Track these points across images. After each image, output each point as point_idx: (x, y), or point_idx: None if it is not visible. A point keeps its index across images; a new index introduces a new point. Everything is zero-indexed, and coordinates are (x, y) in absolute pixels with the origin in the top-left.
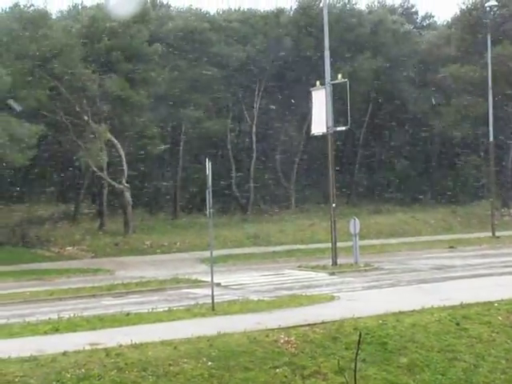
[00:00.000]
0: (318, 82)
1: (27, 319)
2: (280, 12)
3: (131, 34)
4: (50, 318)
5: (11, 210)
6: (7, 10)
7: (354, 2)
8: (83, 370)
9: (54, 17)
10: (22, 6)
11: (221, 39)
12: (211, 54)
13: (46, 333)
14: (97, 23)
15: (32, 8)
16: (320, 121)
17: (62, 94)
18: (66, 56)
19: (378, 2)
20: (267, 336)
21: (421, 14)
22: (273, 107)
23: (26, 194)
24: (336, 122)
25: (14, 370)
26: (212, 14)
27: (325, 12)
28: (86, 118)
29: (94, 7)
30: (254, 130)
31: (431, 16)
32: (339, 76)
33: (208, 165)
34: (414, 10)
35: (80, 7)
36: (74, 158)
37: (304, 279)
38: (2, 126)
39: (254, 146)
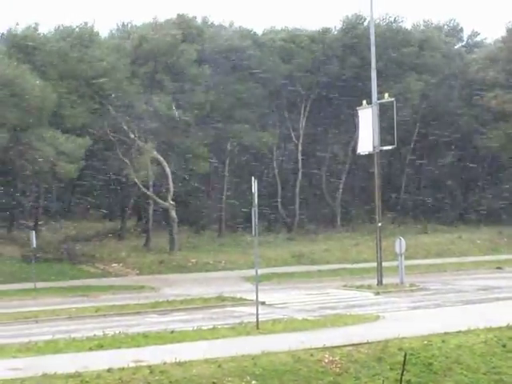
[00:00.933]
0: (364, 101)
1: (73, 335)
2: (325, 31)
3: (178, 54)
4: (95, 335)
5: (58, 226)
6: (55, 29)
7: (399, 21)
8: None
9: (102, 35)
10: (70, 25)
11: (266, 58)
12: (257, 73)
13: (90, 349)
14: (145, 42)
15: (80, 27)
16: (366, 140)
17: (109, 112)
18: (114, 75)
19: (424, 21)
20: (311, 355)
21: (467, 32)
22: (319, 126)
23: (73, 211)
24: (382, 141)
25: None
26: (257, 32)
27: (371, 32)
28: (132, 135)
29: (143, 26)
30: (299, 148)
31: (477, 34)
32: (386, 95)
33: (254, 183)
34: (460, 27)
35: (129, 26)
36: (121, 175)
37: (349, 298)
38: (50, 141)
39: (300, 165)
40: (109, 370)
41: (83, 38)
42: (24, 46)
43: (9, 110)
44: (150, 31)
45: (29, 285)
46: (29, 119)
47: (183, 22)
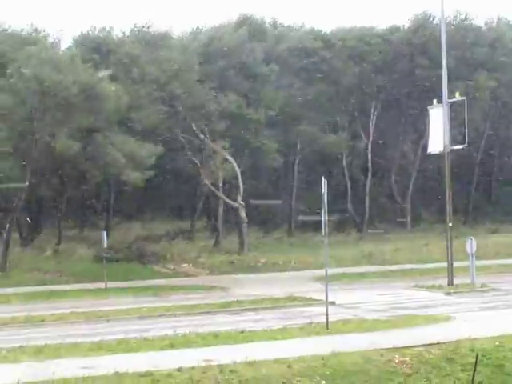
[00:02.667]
0: (435, 100)
1: (144, 335)
2: (394, 30)
3: (247, 53)
4: (166, 334)
5: (128, 227)
6: (129, 32)
7: (470, 18)
8: None
9: (174, 37)
10: (142, 28)
11: (335, 57)
12: (326, 72)
13: (161, 348)
14: (214, 43)
15: (152, 29)
16: (437, 139)
17: (179, 113)
18: (184, 76)
19: (498, 19)
20: (382, 356)
21: None
22: (388, 125)
23: (143, 212)
24: (453, 141)
25: None
26: (326, 32)
27: (442, 30)
28: (202, 136)
29: (212, 27)
30: (369, 148)
31: None
32: (457, 94)
33: (324, 183)
34: None
35: (198, 27)
36: (191, 176)
37: (419, 299)
38: (121, 145)
39: (370, 165)
40: (179, 370)
41: (155, 41)
42: (98, 49)
43: (82, 115)
44: (218, 32)
45: (100, 284)
46: (101, 123)
47: (251, 23)
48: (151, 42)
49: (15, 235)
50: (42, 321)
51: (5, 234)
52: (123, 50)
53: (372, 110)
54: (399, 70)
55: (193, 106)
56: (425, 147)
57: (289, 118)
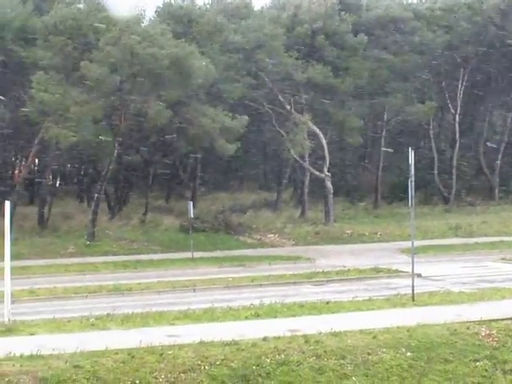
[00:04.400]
0: None
1: (229, 304)
2: None
3: (335, 23)
4: (251, 304)
5: (215, 197)
6: (211, 2)
7: None
8: (283, 356)
9: (256, 8)
10: None
11: (423, 27)
12: (414, 43)
13: (246, 318)
14: (301, 12)
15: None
16: None
17: (265, 84)
18: (270, 46)
19: None
20: (468, 328)
21: None
22: (476, 96)
23: (229, 183)
24: None
25: (216, 353)
26: (414, 2)
27: None
28: (288, 107)
29: None
30: (457, 119)
31: None
32: None
33: (411, 154)
34: None
35: None
36: (277, 147)
37: (507, 272)
38: (212, 117)
39: (458, 136)
40: (264, 339)
41: (239, 10)
42: (181, 19)
43: (172, 87)
44: (305, 1)
45: (186, 254)
46: (190, 94)
47: None
48: (234, 12)
49: (103, 205)
50: (130, 289)
51: (93, 204)
52: (206, 20)
53: (460, 81)
54: (488, 39)
55: (279, 77)
56: None
57: (375, 89)
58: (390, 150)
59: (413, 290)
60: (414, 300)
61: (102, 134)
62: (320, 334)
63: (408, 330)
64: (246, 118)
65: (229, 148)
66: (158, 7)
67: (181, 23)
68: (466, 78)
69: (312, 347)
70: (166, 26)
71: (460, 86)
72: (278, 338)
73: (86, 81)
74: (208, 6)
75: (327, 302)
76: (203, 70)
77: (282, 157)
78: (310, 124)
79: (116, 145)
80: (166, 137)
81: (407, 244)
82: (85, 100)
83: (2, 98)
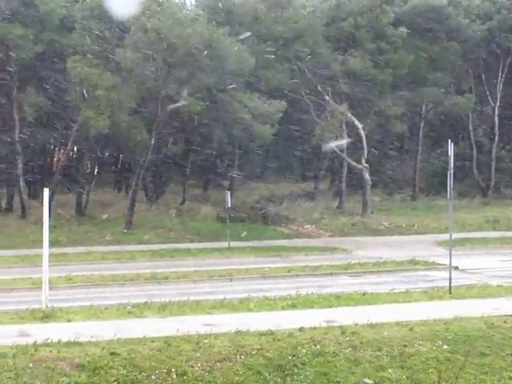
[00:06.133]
0: None
1: (266, 294)
2: None
3: (376, 14)
4: (287, 294)
5: (252, 187)
6: None
7: None
8: (319, 347)
9: None
10: None
11: (462, 16)
12: (452, 33)
13: (283, 308)
14: (343, 4)
15: None
16: None
17: (304, 74)
18: (310, 36)
19: None
20: (505, 322)
21: None
22: None
23: (267, 173)
24: None
25: (252, 342)
26: None
27: None
28: (327, 97)
29: None
30: (496, 111)
31: None
32: None
33: (450, 146)
34: None
35: None
36: (315, 137)
37: None
38: (247, 103)
39: (497, 128)
40: (300, 329)
41: (280, 0)
42: (220, 8)
43: (207, 74)
44: None
45: (223, 244)
46: (226, 81)
47: None
48: (277, 2)
49: (141, 194)
50: (166, 278)
51: (131, 192)
52: (246, 10)
53: (499, 73)
54: None
55: (318, 67)
56: None
57: (414, 80)
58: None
59: (450, 283)
60: (451, 293)
61: (139, 123)
62: (356, 325)
63: (445, 323)
64: (284, 103)
65: (265, 132)
66: None
67: (220, 12)
68: (505, 69)
69: (348, 338)
70: (201, 12)
71: (500, 77)
72: (314, 328)
73: (121, 67)
74: None
75: (364, 294)
76: (238, 55)
77: (320, 147)
78: (349, 114)
79: (153, 134)
80: (202, 125)
81: (444, 236)
82: (119, 86)
83: (43, 85)
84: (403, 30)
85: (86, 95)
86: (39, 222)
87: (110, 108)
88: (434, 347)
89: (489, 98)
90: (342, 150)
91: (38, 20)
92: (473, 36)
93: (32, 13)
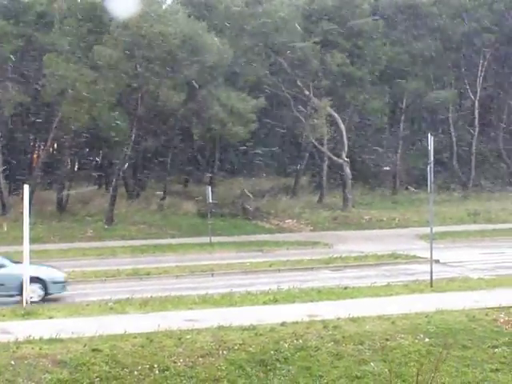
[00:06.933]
0: None
1: (247, 289)
2: None
3: (353, 8)
4: (269, 289)
5: (233, 182)
6: None
7: None
8: (301, 341)
9: None
10: None
11: (443, 12)
12: (433, 28)
13: (265, 303)
14: None
15: None
16: None
17: (283, 69)
18: (288, 31)
19: None
20: (486, 315)
21: None
22: (496, 83)
23: (247, 168)
24: None
25: (234, 337)
26: None
27: None
28: (307, 92)
29: None
30: (476, 105)
31: None
32: None
33: (430, 140)
34: None
35: None
36: (295, 132)
37: None
38: (224, 101)
39: (477, 122)
40: (283, 324)
41: None
42: (200, 4)
43: (186, 68)
44: None
45: (204, 239)
46: (205, 77)
47: None
48: None
49: (121, 189)
50: (148, 274)
51: (111, 188)
52: (226, 4)
53: (480, 68)
54: (508, 26)
55: (297, 62)
56: None
57: (394, 75)
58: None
59: (431, 276)
60: (432, 286)
61: (119, 119)
62: (338, 319)
63: (426, 316)
64: (263, 100)
65: (239, 132)
66: None
67: (200, 7)
68: (485, 64)
69: (330, 332)
70: (180, 7)
71: (479, 72)
72: (296, 323)
73: (100, 64)
74: None
75: (345, 288)
76: (216, 48)
77: (300, 142)
78: (329, 109)
79: (133, 129)
80: (182, 121)
81: (425, 230)
82: (98, 82)
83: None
84: (379, 23)
85: (65, 92)
86: (19, 218)
87: (90, 104)
88: (416, 340)
89: (469, 92)
90: (322, 144)
91: (18, 13)
92: (454, 32)
93: (14, 5)
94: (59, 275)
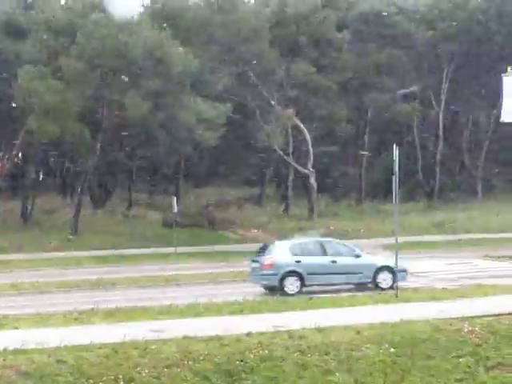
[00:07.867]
0: (509, 68)
1: (213, 299)
2: None
3: (319, 19)
4: (235, 300)
5: (199, 193)
6: None
7: None
8: (266, 351)
9: (244, 1)
10: None
11: (409, 24)
12: (398, 39)
13: (230, 313)
14: (286, 8)
15: None
16: (510, 108)
17: (250, 78)
18: (254, 41)
19: None
20: (450, 325)
21: None
22: (461, 93)
23: (213, 178)
24: None
25: (200, 348)
26: None
27: None
28: (272, 102)
29: None
30: (441, 115)
31: None
32: None
33: (395, 151)
34: None
35: None
36: (261, 142)
37: (490, 269)
38: (191, 107)
39: (441, 132)
40: (248, 334)
41: (225, 4)
42: (166, 14)
43: (151, 78)
44: None
45: (170, 249)
46: (170, 86)
47: None
48: (221, 7)
49: (86, 199)
50: (113, 284)
51: (76, 198)
52: (193, 14)
53: (444, 78)
54: (473, 37)
55: (263, 72)
56: (498, 116)
57: (360, 85)
58: (367, 153)
59: (396, 287)
60: (397, 296)
61: (85, 129)
62: (304, 329)
63: (392, 326)
64: (229, 105)
65: (209, 136)
66: (144, 3)
67: (165, 17)
68: (449, 74)
69: (296, 343)
70: (146, 18)
71: (444, 82)
72: (262, 333)
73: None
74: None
75: (310, 298)
76: (181, 58)
77: (266, 152)
78: (295, 120)
79: (99, 139)
80: (148, 130)
81: (390, 240)
82: (65, 94)
83: None
84: (345, 34)
85: (32, 102)
86: None
87: (56, 115)
88: (381, 350)
89: (433, 102)
90: (287, 154)
91: None
92: (418, 42)
93: None
94: (403, 266)
